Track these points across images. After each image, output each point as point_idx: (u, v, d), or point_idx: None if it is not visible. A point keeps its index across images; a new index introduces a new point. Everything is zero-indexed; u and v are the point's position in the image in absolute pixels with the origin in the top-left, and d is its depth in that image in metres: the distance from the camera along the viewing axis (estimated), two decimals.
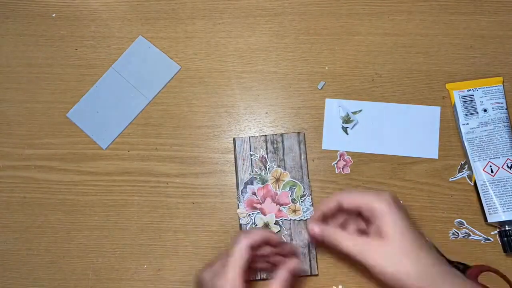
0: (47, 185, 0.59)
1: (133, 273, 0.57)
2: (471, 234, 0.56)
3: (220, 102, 0.60)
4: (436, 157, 0.57)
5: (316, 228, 0.50)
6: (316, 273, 0.54)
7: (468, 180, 0.57)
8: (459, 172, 0.57)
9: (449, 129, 0.58)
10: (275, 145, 0.57)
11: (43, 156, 0.59)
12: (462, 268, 0.52)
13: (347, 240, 0.47)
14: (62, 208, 0.58)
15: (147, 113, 0.60)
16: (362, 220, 0.50)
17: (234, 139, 0.58)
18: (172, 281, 0.56)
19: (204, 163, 0.59)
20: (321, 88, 0.60)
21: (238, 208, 0.56)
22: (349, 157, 0.57)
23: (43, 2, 0.63)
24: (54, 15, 0.63)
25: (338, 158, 0.58)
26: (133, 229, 0.57)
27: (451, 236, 0.56)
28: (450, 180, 0.57)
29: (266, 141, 0.57)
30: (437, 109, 0.58)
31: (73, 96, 0.61)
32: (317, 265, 0.55)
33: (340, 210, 0.50)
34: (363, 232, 0.50)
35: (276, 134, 0.58)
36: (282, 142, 0.57)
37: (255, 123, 0.59)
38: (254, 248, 0.47)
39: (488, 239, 0.55)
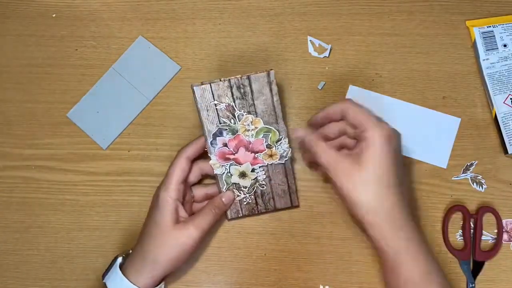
0: (47, 185, 0.59)
1: None
2: None
3: None
4: (445, 167, 0.57)
5: (300, 132, 0.51)
6: (297, 204, 0.56)
7: (470, 182, 0.57)
8: (463, 173, 0.57)
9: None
10: (242, 90, 0.51)
11: (43, 156, 0.59)
12: None
13: (325, 152, 0.48)
14: (62, 208, 0.58)
15: (147, 113, 0.60)
16: (352, 130, 0.50)
17: (192, 88, 0.51)
18: (172, 280, 0.56)
19: None
20: (321, 88, 0.60)
21: (211, 160, 0.53)
22: None
23: (43, 2, 0.63)
24: (54, 15, 0.63)
25: None
26: (133, 229, 0.57)
27: (459, 238, 0.56)
28: (453, 178, 0.57)
29: (230, 87, 0.51)
30: (457, 120, 0.58)
31: (73, 96, 0.61)
32: (297, 197, 0.55)
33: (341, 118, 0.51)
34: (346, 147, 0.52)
35: (241, 77, 0.51)
36: (250, 85, 0.51)
37: None
38: (191, 159, 0.52)
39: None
